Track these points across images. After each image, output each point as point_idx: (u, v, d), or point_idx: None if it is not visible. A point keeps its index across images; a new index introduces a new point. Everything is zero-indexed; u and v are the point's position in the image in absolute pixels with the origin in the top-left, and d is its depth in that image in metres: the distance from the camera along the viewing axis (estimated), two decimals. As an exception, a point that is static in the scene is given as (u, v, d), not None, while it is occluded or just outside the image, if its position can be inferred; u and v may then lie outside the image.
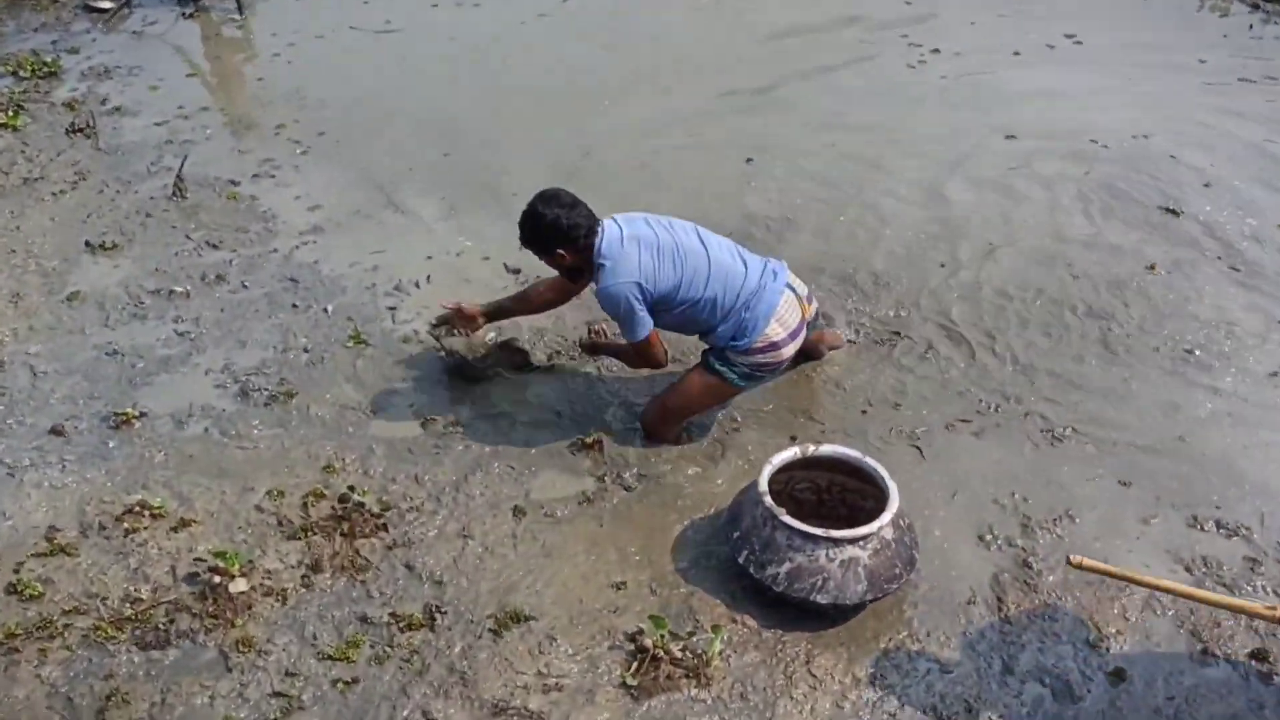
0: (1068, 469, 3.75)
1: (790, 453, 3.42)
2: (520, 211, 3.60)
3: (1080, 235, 5.09)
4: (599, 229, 3.55)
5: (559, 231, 3.51)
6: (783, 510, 3.16)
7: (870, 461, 3.36)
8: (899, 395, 4.14)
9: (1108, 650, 3.12)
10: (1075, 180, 5.54)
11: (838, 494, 3.58)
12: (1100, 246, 5.00)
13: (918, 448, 3.88)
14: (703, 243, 3.65)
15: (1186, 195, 5.39)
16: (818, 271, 4.81)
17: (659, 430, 3.89)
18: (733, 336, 3.66)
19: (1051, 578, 3.33)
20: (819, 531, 3.10)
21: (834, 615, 3.20)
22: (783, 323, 3.68)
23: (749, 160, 5.79)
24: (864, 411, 4.07)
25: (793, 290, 3.76)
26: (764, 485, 3.25)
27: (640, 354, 3.76)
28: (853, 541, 3.11)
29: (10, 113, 6.16)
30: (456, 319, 4.06)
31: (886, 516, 3.15)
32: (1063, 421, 3.96)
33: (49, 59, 6.93)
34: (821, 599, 3.08)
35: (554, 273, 3.87)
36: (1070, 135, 5.99)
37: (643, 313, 3.55)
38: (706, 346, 3.83)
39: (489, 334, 4.19)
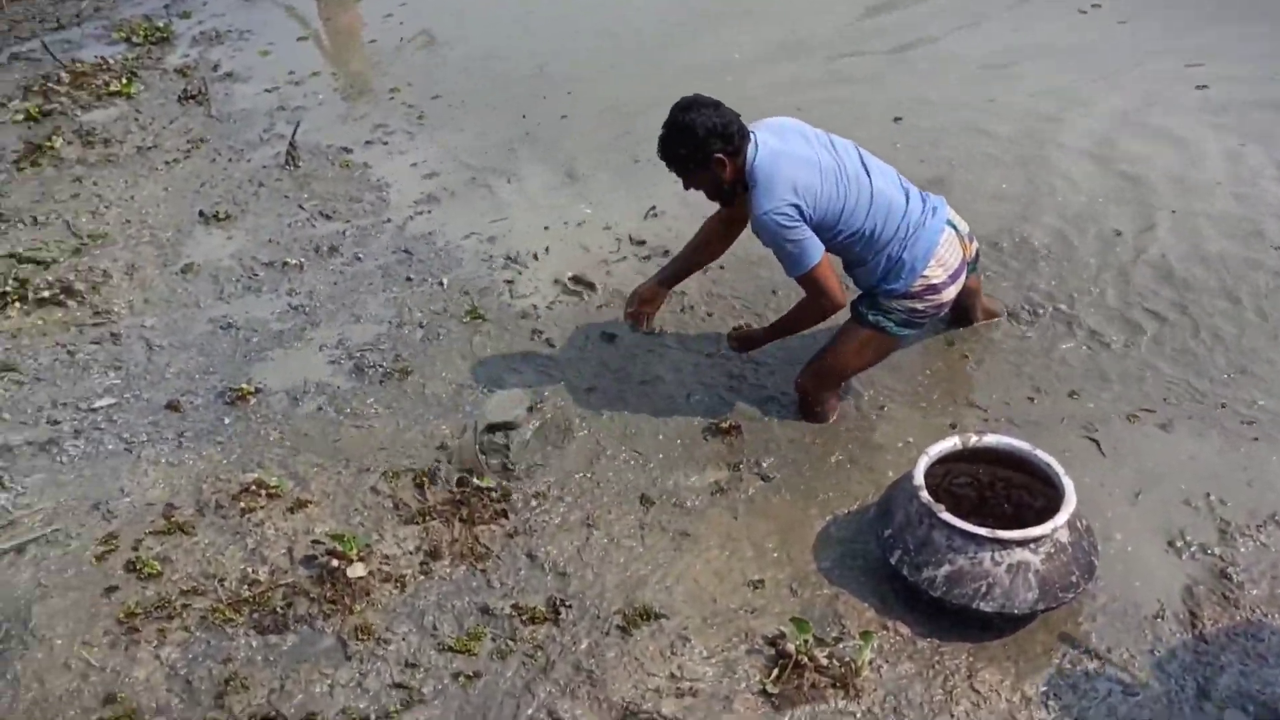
0: (1275, 466, 3.50)
1: (950, 443, 3.28)
2: (645, 171, 3.55)
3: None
4: (750, 137, 3.41)
5: (714, 133, 3.32)
6: (941, 506, 3.04)
7: (1042, 455, 3.19)
8: (1071, 380, 3.94)
9: (1323, 676, 2.90)
10: (1277, 139, 5.16)
11: (1002, 490, 3.43)
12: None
13: (1094, 440, 3.68)
14: (865, 167, 3.50)
15: None
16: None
17: (818, 396, 3.80)
18: (884, 277, 3.53)
19: (1255, 591, 3.11)
20: (984, 531, 2.97)
21: (999, 625, 3.06)
22: (943, 264, 3.53)
23: (897, 119, 5.60)
24: (1031, 399, 3.89)
25: (954, 228, 3.61)
26: (920, 478, 3.13)
27: (813, 291, 3.50)
28: (1023, 544, 2.97)
29: (124, 80, 6.46)
30: (640, 312, 3.90)
31: (1062, 517, 2.99)
32: (1267, 413, 3.70)
33: (161, 24, 7.24)
34: (986, 607, 2.96)
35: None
36: (1271, 82, 5.59)
37: (808, 235, 3.38)
38: (854, 297, 3.71)
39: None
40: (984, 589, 2.96)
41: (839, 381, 3.82)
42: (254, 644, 3.07)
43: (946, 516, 3.01)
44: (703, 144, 3.35)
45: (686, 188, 3.59)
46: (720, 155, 3.37)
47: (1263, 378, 3.85)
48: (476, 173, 5.48)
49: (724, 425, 3.80)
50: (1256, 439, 3.61)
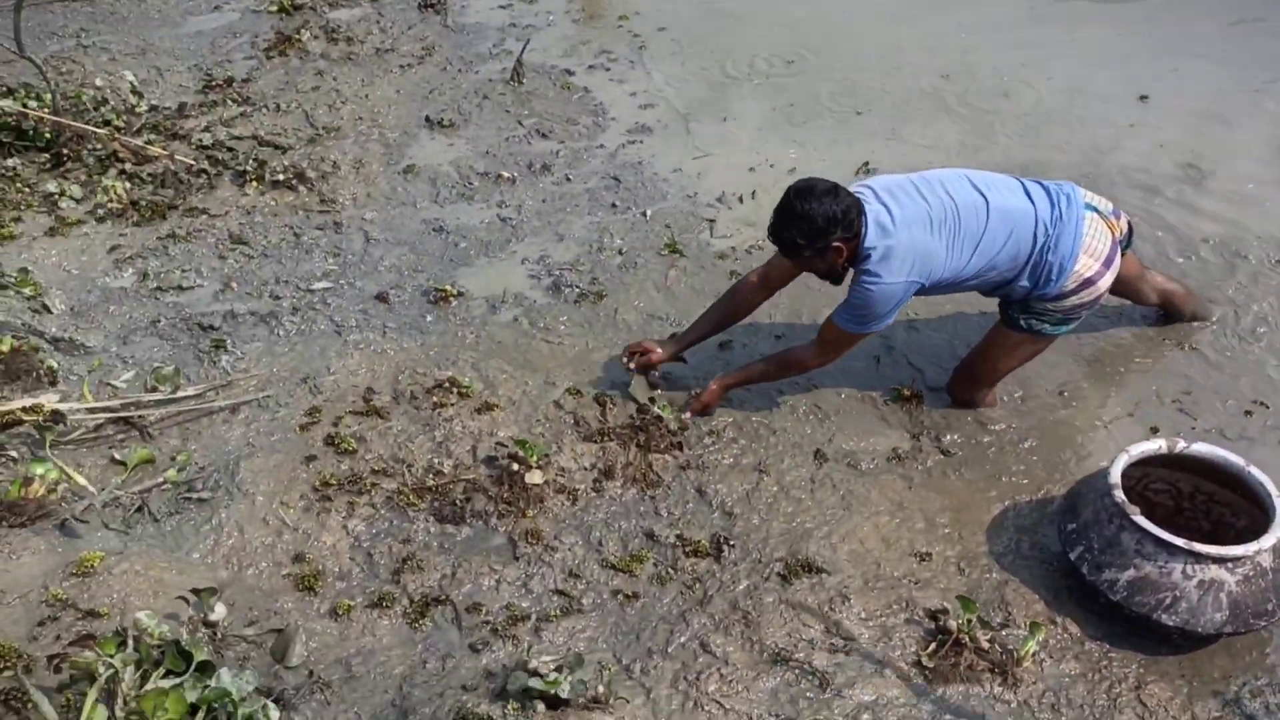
0: None
1: (1153, 445, 3.11)
2: (864, 125, 3.46)
3: None
4: (864, 213, 3.22)
5: (834, 222, 3.15)
6: (1136, 509, 2.89)
7: (1256, 472, 2.98)
8: (1298, 400, 3.66)
9: None
10: None
11: (1201, 504, 3.23)
12: None
13: (1314, 466, 3.41)
14: (979, 190, 3.27)
15: None
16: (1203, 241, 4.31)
17: (969, 399, 3.69)
18: (1035, 285, 3.31)
19: None
20: (1180, 542, 2.80)
21: (1178, 641, 2.91)
22: (1093, 253, 3.28)
23: (1143, 98, 5.25)
24: (1248, 412, 3.63)
25: (1095, 210, 3.34)
26: (1116, 476, 2.98)
27: (826, 349, 3.45)
28: (1220, 561, 2.79)
29: (371, -17, 6.74)
30: (640, 360, 3.72)
31: (1270, 539, 2.80)
32: None
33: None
34: (1169, 620, 2.81)
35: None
36: None
37: (892, 317, 3.31)
38: (1001, 300, 3.51)
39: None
40: (1169, 601, 2.81)
41: (991, 386, 3.66)
42: (432, 530, 3.23)
43: (1141, 520, 2.86)
44: (822, 233, 3.17)
45: (797, 271, 3.51)
46: (839, 244, 3.21)
47: None
48: (692, 108, 5.48)
49: (906, 393, 3.72)
50: None
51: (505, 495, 3.31)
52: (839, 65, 5.78)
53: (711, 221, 4.67)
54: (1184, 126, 5.16)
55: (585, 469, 3.45)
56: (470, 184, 4.95)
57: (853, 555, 3.16)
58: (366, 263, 4.47)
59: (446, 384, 3.75)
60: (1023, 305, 3.42)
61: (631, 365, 3.73)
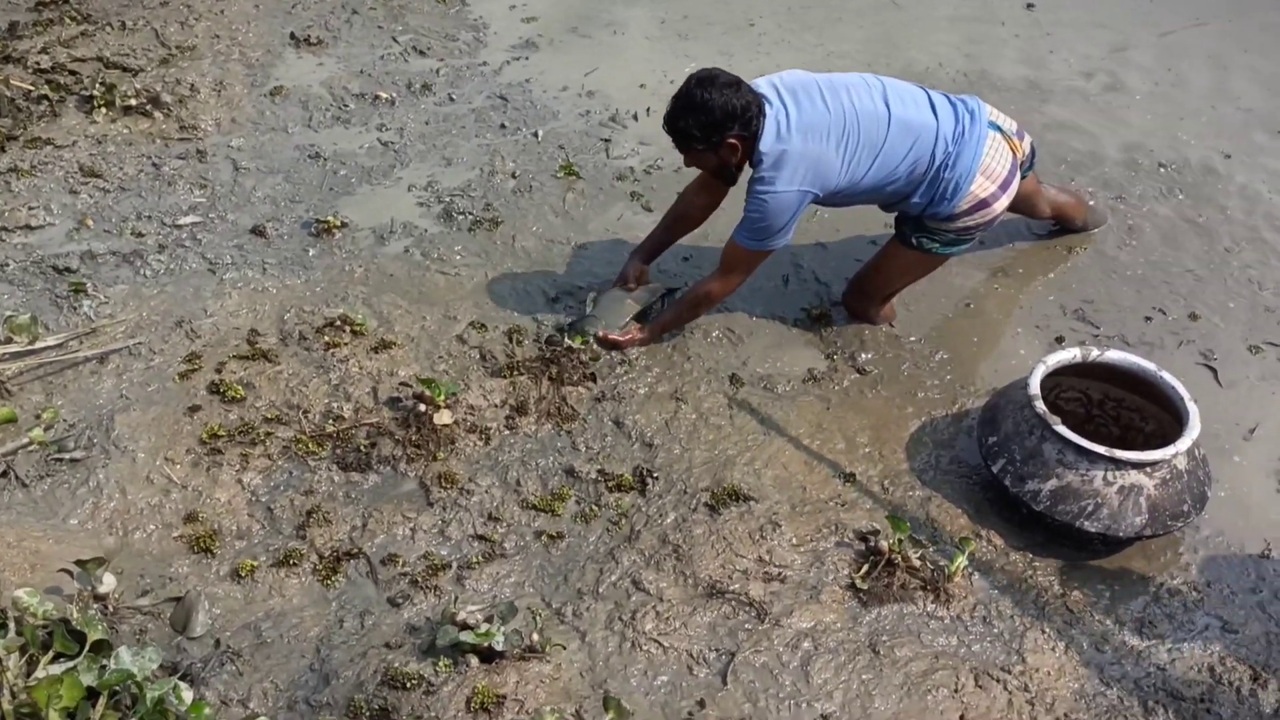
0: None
1: (1069, 354, 3.12)
2: (758, 35, 3.31)
3: None
4: (765, 112, 3.08)
5: (732, 116, 3.02)
6: (1058, 419, 2.90)
7: (1168, 376, 3.03)
8: (1194, 301, 3.74)
9: None
10: None
11: (1110, 410, 3.28)
12: None
13: (1212, 369, 3.51)
14: (885, 102, 3.16)
15: None
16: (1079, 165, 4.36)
17: (862, 312, 3.65)
18: (929, 203, 3.24)
19: (1371, 542, 2.97)
20: (1101, 449, 2.83)
21: (1098, 547, 2.96)
22: (990, 175, 3.21)
23: (1029, 5, 5.26)
24: (1148, 318, 3.70)
25: (998, 129, 3.27)
26: (1036, 388, 2.98)
27: (733, 270, 3.34)
28: (1139, 466, 2.83)
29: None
30: (621, 341, 3.50)
31: (1185, 442, 2.85)
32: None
33: None
34: (1090, 526, 2.84)
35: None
36: None
37: (793, 224, 3.20)
38: (896, 215, 3.45)
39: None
40: (1091, 508, 2.84)
41: (882, 300, 3.62)
42: (336, 479, 3.02)
43: (1063, 430, 2.87)
44: (718, 127, 3.04)
45: (687, 164, 3.29)
46: (734, 140, 3.08)
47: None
48: (578, 20, 5.22)
49: (815, 313, 3.66)
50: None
51: (413, 438, 3.11)
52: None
53: (607, 141, 4.47)
54: (1073, 34, 5.18)
55: (496, 406, 3.28)
56: (345, 106, 4.61)
57: (777, 480, 3.10)
58: (238, 194, 4.12)
59: (338, 322, 3.50)
60: (916, 223, 3.35)
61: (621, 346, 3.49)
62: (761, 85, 3.15)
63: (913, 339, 3.61)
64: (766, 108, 3.08)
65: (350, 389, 3.28)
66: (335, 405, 3.22)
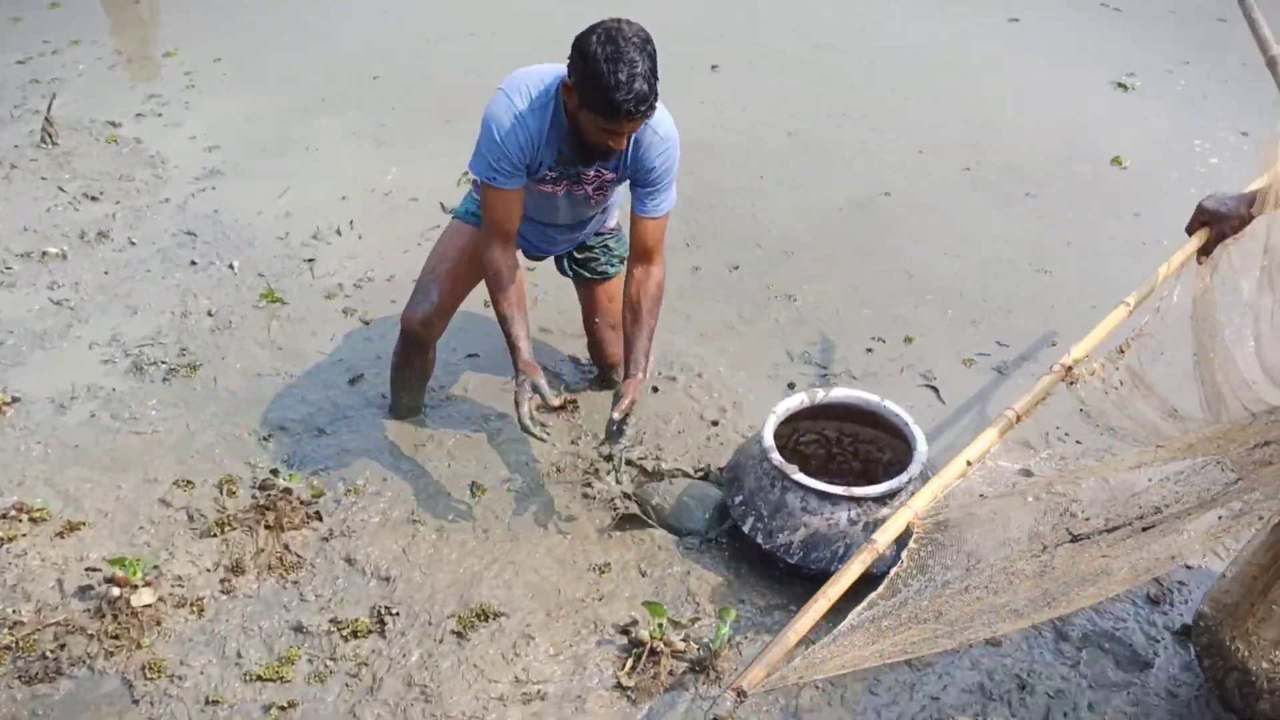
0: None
1: (796, 400, 3.11)
2: (457, 133, 3.21)
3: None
4: None
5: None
6: (794, 467, 2.85)
7: (891, 406, 3.06)
8: (908, 327, 3.86)
9: (1171, 605, 2.88)
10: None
11: (849, 446, 3.30)
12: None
13: (934, 388, 3.61)
14: None
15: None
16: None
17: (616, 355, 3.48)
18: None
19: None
20: (840, 490, 2.80)
21: (863, 588, 2.90)
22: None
23: (714, 67, 5.44)
24: (869, 349, 3.78)
25: None
26: (769, 439, 2.94)
27: (661, 243, 2.94)
28: (879, 499, 2.82)
29: None
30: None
31: (915, 468, 2.86)
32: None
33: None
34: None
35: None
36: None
37: None
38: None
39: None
40: (843, 550, 2.80)
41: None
42: (19, 697, 2.58)
43: (799, 477, 2.83)
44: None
45: (619, 147, 2.70)
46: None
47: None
48: (266, 141, 4.98)
49: (556, 402, 3.52)
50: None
51: (109, 629, 2.71)
52: (424, 75, 5.51)
53: (311, 261, 4.22)
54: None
55: (208, 570, 2.93)
56: (9, 268, 4.15)
57: (530, 588, 2.90)
58: (-118, 385, 3.59)
59: (13, 512, 3.06)
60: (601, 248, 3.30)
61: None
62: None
63: (654, 409, 3.52)
64: None
65: (30, 587, 2.84)
66: (12, 610, 2.78)
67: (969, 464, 2.34)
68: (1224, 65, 5.55)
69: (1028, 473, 3.06)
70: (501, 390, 3.57)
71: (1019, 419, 2.39)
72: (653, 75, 2.52)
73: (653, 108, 2.56)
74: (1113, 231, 4.38)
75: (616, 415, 2.91)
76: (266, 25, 6.06)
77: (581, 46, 2.50)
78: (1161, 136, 5.06)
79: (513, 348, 2.90)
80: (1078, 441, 3.35)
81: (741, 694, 2.02)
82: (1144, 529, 2.04)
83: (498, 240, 2.89)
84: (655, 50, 2.54)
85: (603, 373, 3.60)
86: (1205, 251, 2.58)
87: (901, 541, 2.37)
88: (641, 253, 2.93)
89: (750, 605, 2.86)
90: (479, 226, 3.03)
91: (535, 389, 2.84)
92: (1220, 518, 2.01)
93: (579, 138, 2.70)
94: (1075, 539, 2.14)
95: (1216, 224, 2.53)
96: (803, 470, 2.89)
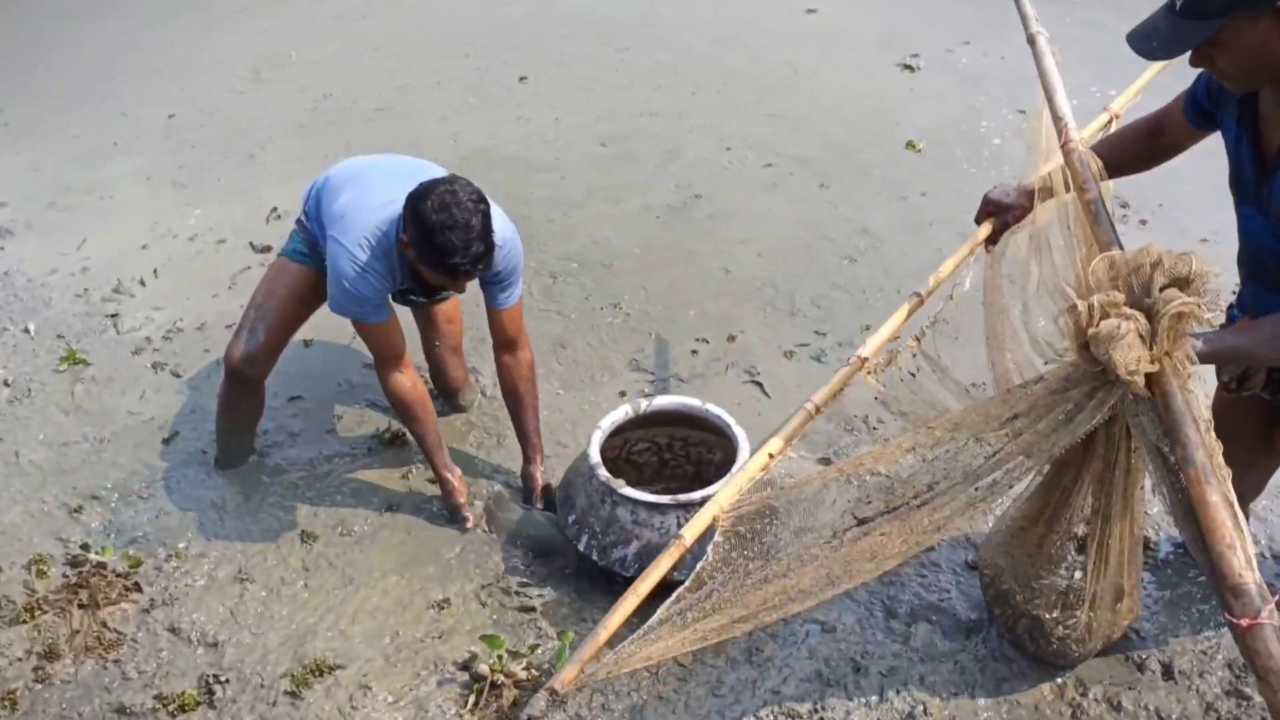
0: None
1: (621, 412, 3.13)
2: (261, 168, 3.11)
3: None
4: None
5: None
6: (621, 481, 2.88)
7: (713, 408, 3.11)
8: (731, 324, 3.94)
9: (990, 570, 3.02)
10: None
11: (680, 450, 3.34)
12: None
13: (759, 383, 3.69)
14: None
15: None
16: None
17: (461, 380, 3.60)
18: None
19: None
20: (666, 499, 2.84)
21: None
22: None
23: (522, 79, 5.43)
24: (694, 351, 3.84)
25: None
26: (595, 455, 2.95)
27: (524, 328, 3.14)
28: (704, 503, 2.85)
29: None
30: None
31: (736, 469, 2.91)
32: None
33: None
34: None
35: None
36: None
37: None
38: None
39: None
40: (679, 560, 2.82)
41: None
42: None
43: (627, 491, 2.85)
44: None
45: (461, 291, 2.95)
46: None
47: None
48: (55, 194, 4.72)
49: (386, 435, 3.46)
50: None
51: (-92, 740, 2.53)
52: (221, 111, 5.31)
53: (114, 316, 4.03)
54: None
55: (19, 660, 2.76)
56: None
57: (367, 634, 2.83)
58: None
59: None
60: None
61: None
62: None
63: (481, 437, 3.49)
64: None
65: None
66: None
67: (771, 456, 2.41)
68: (1002, 43, 5.85)
69: (826, 461, 3.16)
70: (332, 435, 3.48)
71: (818, 410, 2.48)
72: (488, 233, 2.63)
73: (490, 263, 2.69)
74: (903, 215, 4.56)
75: (539, 505, 3.19)
76: (46, 70, 5.72)
77: (417, 212, 2.61)
78: (946, 119, 5.28)
79: (442, 480, 3.14)
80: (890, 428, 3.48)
81: (554, 694, 2.05)
82: (918, 506, 2.15)
83: (394, 365, 2.97)
84: (489, 207, 2.66)
85: (447, 397, 3.57)
86: (992, 240, 2.72)
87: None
88: (504, 342, 3.07)
89: (591, 623, 2.86)
90: (308, 265, 3.08)
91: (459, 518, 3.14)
92: (976, 489, 2.15)
93: (420, 281, 2.84)
94: (861, 522, 2.24)
95: (1000, 214, 2.67)
96: (638, 478, 2.91)
